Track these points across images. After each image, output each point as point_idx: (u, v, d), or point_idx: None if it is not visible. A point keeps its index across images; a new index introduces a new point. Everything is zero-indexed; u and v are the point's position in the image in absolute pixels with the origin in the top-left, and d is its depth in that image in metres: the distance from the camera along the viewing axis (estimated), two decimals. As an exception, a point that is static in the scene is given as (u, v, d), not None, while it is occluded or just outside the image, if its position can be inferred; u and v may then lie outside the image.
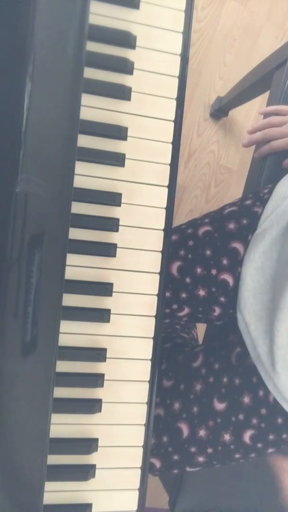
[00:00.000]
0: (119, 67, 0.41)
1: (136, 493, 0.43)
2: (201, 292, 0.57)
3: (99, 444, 0.42)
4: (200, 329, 0.82)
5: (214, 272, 0.56)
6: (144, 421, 0.43)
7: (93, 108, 0.40)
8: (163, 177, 0.42)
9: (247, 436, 0.54)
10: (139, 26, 0.41)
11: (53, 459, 0.40)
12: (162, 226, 0.43)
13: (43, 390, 0.35)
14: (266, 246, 0.52)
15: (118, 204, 0.41)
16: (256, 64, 1.06)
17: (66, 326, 0.40)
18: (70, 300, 0.40)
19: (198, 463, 0.56)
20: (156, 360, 0.43)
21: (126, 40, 0.40)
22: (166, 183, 0.43)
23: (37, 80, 0.32)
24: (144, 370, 0.43)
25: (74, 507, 0.41)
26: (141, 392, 0.43)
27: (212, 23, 1.36)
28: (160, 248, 0.43)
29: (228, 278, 0.56)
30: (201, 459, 0.56)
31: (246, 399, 0.54)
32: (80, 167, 0.40)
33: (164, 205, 0.43)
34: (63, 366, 0.41)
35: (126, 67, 0.40)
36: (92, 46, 0.40)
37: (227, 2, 1.38)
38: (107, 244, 0.41)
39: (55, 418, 0.39)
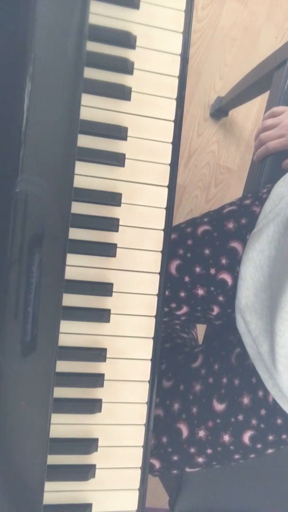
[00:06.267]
0: (119, 67, 0.40)
1: (136, 493, 0.43)
2: (200, 291, 0.57)
3: (99, 444, 0.42)
4: (200, 329, 0.82)
5: (213, 271, 0.56)
6: (144, 421, 0.43)
7: (93, 108, 0.40)
8: (163, 177, 0.42)
9: (246, 436, 0.54)
10: (139, 26, 0.41)
11: (53, 459, 0.40)
12: (162, 226, 0.43)
13: (43, 390, 0.35)
14: (263, 244, 0.52)
15: (118, 204, 0.41)
16: (256, 64, 1.06)
17: (66, 326, 0.40)
18: (70, 300, 0.40)
19: (197, 463, 0.56)
20: (156, 360, 0.43)
21: (126, 40, 0.40)
22: (166, 183, 0.43)
23: (37, 80, 0.32)
24: (144, 370, 0.43)
25: (74, 507, 0.41)
26: (141, 392, 0.43)
27: (212, 23, 1.36)
28: (160, 248, 0.43)
29: (227, 277, 0.56)
30: (200, 459, 0.56)
31: (246, 400, 0.54)
32: (80, 167, 0.40)
33: (164, 205, 0.43)
34: (63, 366, 0.41)
35: (126, 67, 0.40)
36: (92, 46, 0.40)
37: (227, 2, 1.38)
38: (107, 244, 0.41)
39: (55, 418, 0.39)
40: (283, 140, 0.72)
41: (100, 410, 0.42)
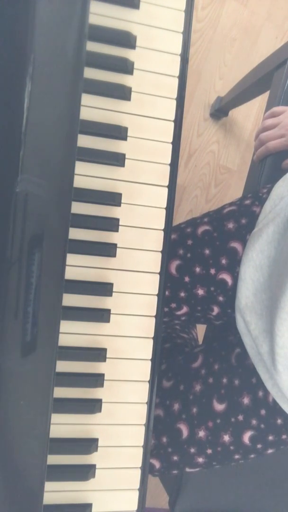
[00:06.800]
0: (119, 67, 0.40)
1: (136, 493, 0.43)
2: (200, 291, 0.57)
3: (99, 444, 0.42)
4: (200, 329, 0.82)
5: (213, 271, 0.56)
6: (144, 421, 0.43)
7: (93, 108, 0.40)
8: (163, 177, 0.42)
9: (246, 437, 0.54)
10: (139, 26, 0.41)
11: (53, 459, 0.40)
12: (162, 226, 0.43)
13: (43, 390, 0.35)
14: (263, 244, 0.52)
15: (118, 204, 0.41)
16: (256, 64, 1.06)
17: (66, 326, 0.40)
18: (70, 300, 0.40)
19: (197, 463, 0.56)
20: (156, 360, 0.43)
21: (126, 40, 0.40)
22: (166, 183, 0.43)
23: (37, 80, 0.32)
24: (144, 370, 0.43)
25: (74, 507, 0.41)
26: (141, 392, 0.43)
27: (212, 23, 1.36)
28: (160, 248, 0.43)
29: (227, 277, 0.56)
30: (200, 459, 0.56)
31: (246, 400, 0.54)
32: (80, 167, 0.40)
33: (164, 205, 0.43)
34: (63, 366, 0.41)
35: (126, 67, 0.40)
36: (92, 46, 0.40)
37: (227, 2, 1.38)
38: (107, 244, 0.41)
39: (55, 418, 0.39)
40: (283, 140, 0.72)
41: (100, 410, 0.42)
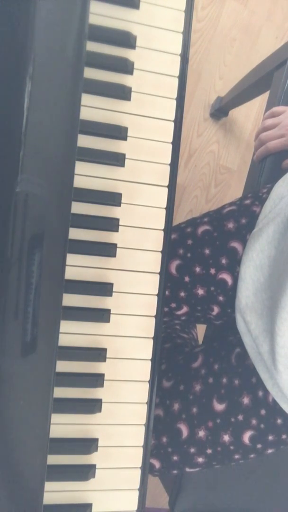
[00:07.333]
0: (119, 67, 0.40)
1: (136, 493, 0.43)
2: (200, 291, 0.57)
3: (99, 444, 0.42)
4: (200, 329, 0.82)
5: (213, 271, 0.56)
6: (144, 421, 0.43)
7: (93, 108, 0.40)
8: (163, 177, 0.42)
9: (246, 436, 0.54)
10: (139, 26, 0.41)
11: (53, 459, 0.40)
12: (162, 226, 0.43)
13: (43, 390, 0.35)
14: (263, 244, 0.52)
15: (118, 204, 0.41)
16: (256, 64, 1.06)
17: (66, 326, 0.40)
18: (70, 300, 0.40)
19: (197, 463, 0.56)
20: (156, 360, 0.43)
21: (126, 40, 0.40)
22: (166, 183, 0.43)
23: (37, 80, 0.32)
24: (144, 370, 0.43)
25: (74, 507, 0.41)
26: (141, 392, 0.43)
27: (212, 23, 1.36)
28: (160, 248, 0.43)
29: (227, 277, 0.56)
30: (200, 459, 0.56)
31: (246, 400, 0.54)
32: (80, 167, 0.40)
33: (164, 205, 0.43)
34: (63, 366, 0.41)
35: (126, 67, 0.40)
36: (92, 46, 0.40)
37: (227, 2, 1.38)
38: (107, 244, 0.41)
39: (55, 418, 0.39)
40: (283, 140, 0.72)
41: (100, 410, 0.42)
